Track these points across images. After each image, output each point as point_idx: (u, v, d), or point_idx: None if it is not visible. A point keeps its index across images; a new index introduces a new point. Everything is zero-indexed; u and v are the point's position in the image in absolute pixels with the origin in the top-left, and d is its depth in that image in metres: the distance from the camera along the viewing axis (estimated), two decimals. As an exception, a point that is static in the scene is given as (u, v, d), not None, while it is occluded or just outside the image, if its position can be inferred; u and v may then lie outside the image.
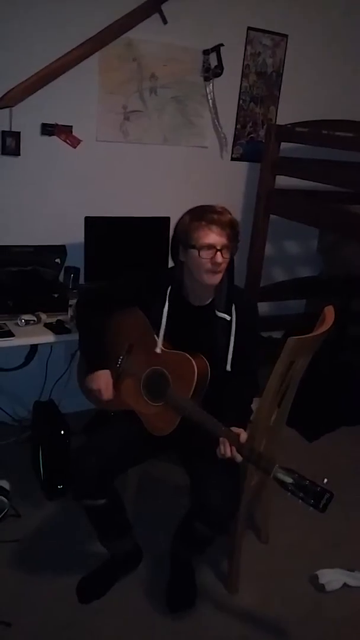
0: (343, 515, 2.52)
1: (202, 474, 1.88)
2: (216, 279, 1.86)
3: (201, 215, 1.83)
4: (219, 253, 1.81)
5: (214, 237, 1.81)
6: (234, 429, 1.78)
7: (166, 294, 1.95)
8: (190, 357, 1.88)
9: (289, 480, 1.63)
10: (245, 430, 1.82)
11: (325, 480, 1.63)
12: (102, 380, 2.02)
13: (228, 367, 1.93)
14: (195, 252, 1.82)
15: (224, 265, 1.85)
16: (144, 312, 2.00)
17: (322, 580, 2.23)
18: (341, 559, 2.36)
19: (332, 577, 2.25)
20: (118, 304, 2.07)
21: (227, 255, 1.84)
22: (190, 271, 1.89)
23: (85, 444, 2.02)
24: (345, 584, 2.24)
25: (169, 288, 1.95)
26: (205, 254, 1.81)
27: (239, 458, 1.75)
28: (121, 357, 2.07)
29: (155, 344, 1.96)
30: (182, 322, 1.96)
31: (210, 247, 1.81)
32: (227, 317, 1.93)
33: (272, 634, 2.03)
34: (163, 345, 1.96)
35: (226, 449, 1.75)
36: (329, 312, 2.10)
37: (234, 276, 2.01)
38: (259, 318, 2.09)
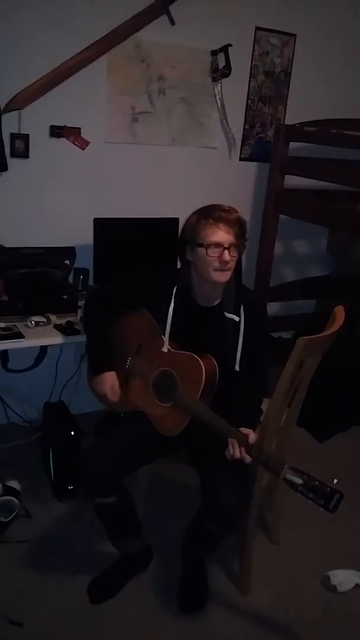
0: (354, 516, 2.51)
1: (211, 474, 1.88)
2: (225, 276, 1.86)
3: (208, 213, 1.84)
4: (226, 251, 1.81)
5: (221, 234, 1.81)
6: (243, 430, 1.78)
7: (172, 293, 1.96)
8: (198, 358, 1.88)
9: (298, 481, 1.62)
10: (254, 431, 1.82)
11: (336, 480, 1.62)
12: (107, 382, 2.03)
13: (237, 368, 1.93)
14: (202, 250, 1.83)
15: (232, 264, 1.85)
16: (151, 313, 2.01)
17: (334, 581, 2.22)
18: (353, 560, 2.34)
19: (343, 578, 2.24)
20: (125, 305, 2.07)
21: (234, 254, 1.84)
22: (198, 271, 1.89)
23: (95, 444, 2.02)
24: (357, 585, 2.23)
25: (175, 288, 1.96)
26: (213, 252, 1.81)
27: (247, 459, 1.75)
28: (130, 358, 2.07)
29: (163, 345, 1.96)
30: (190, 323, 1.96)
31: (218, 245, 1.81)
32: (236, 318, 1.93)
33: (284, 634, 2.03)
34: (172, 346, 1.96)
35: (235, 450, 1.75)
36: (339, 312, 2.09)
37: (242, 276, 2.01)
38: (267, 319, 2.08)
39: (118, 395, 2.03)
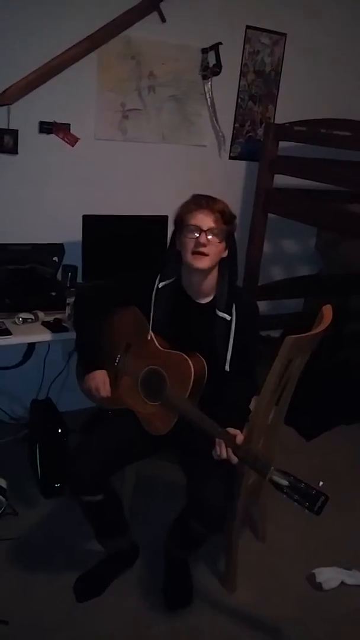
0: (341, 514, 2.52)
1: (198, 473, 1.88)
2: (202, 262, 1.86)
3: (193, 199, 1.89)
4: (203, 234, 1.83)
5: (200, 217, 1.84)
6: (231, 430, 1.78)
7: (155, 281, 1.97)
8: (187, 357, 1.88)
9: (284, 482, 1.63)
10: (242, 431, 1.82)
11: (321, 483, 1.64)
12: (99, 379, 2.02)
13: (227, 367, 1.94)
14: (183, 233, 1.87)
15: (211, 249, 1.85)
16: (139, 307, 2.01)
17: (320, 578, 2.24)
18: (338, 558, 2.36)
19: (329, 576, 2.25)
20: (115, 302, 2.07)
21: (212, 238, 1.84)
22: (182, 258, 1.91)
23: (82, 441, 2.02)
24: (342, 583, 2.24)
25: (159, 276, 1.97)
26: (191, 235, 1.84)
27: (234, 459, 1.75)
28: (119, 356, 2.07)
29: (153, 344, 1.95)
30: (181, 319, 1.96)
31: (196, 227, 1.84)
32: (228, 317, 1.93)
33: (270, 632, 2.03)
34: (161, 344, 1.96)
35: (222, 450, 1.75)
36: (327, 311, 2.10)
37: (237, 275, 2.03)
38: (259, 319, 2.09)
39: (109, 393, 2.02)
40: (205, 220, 1.84)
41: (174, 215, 1.93)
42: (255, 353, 2.00)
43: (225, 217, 1.87)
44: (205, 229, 1.83)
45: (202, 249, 1.84)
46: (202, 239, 1.83)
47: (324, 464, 2.97)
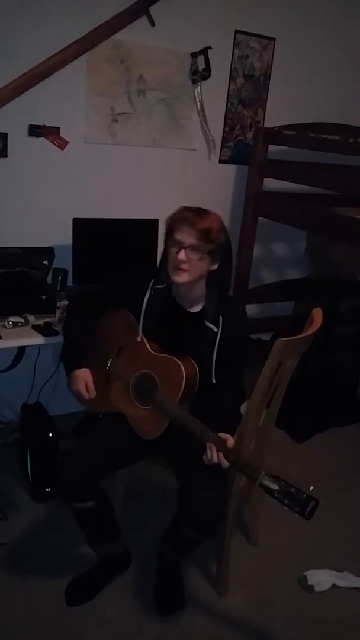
0: (332, 516, 2.53)
1: (190, 477, 1.88)
2: (180, 277, 1.84)
3: (181, 211, 1.85)
4: (182, 250, 1.81)
5: (183, 233, 1.82)
6: (222, 435, 1.78)
7: (149, 284, 1.96)
8: (179, 361, 1.87)
9: (275, 487, 1.64)
10: (233, 436, 1.82)
11: (312, 487, 1.64)
12: (81, 379, 1.99)
13: (213, 380, 1.93)
14: (168, 244, 1.86)
15: (189, 266, 1.83)
16: (131, 309, 2.00)
17: (311, 581, 2.24)
18: (330, 560, 2.36)
19: (321, 578, 2.25)
20: (107, 305, 2.06)
21: (192, 255, 1.82)
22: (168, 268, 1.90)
23: (73, 446, 2.01)
24: (334, 585, 2.25)
25: (152, 280, 1.96)
26: (174, 248, 1.84)
27: (225, 464, 1.75)
28: (110, 360, 2.06)
29: (144, 347, 1.95)
30: (171, 326, 1.96)
31: (178, 242, 1.83)
32: (215, 329, 1.92)
33: (262, 635, 2.03)
34: (152, 348, 1.95)
35: (213, 455, 1.75)
36: (317, 314, 2.11)
37: (229, 287, 2.01)
38: (247, 332, 2.08)
39: (94, 393, 2.00)
40: (186, 237, 1.81)
41: (165, 222, 1.91)
42: (242, 365, 1.99)
43: (210, 235, 1.81)
44: (185, 245, 1.81)
45: (181, 265, 1.83)
46: (181, 256, 1.81)
47: (315, 466, 2.97)
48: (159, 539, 2.10)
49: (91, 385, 2.00)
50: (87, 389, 1.99)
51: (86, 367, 2.02)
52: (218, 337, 1.91)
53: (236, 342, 1.94)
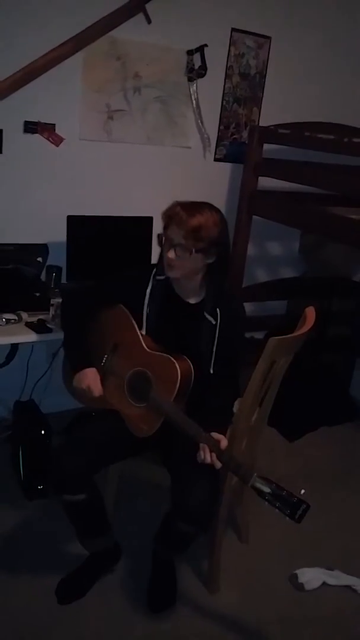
0: (323, 515, 2.54)
1: (182, 473, 1.88)
2: (173, 272, 1.88)
3: (174, 207, 1.87)
4: (171, 249, 1.84)
5: (172, 230, 1.84)
6: (215, 435, 1.79)
7: (150, 276, 1.97)
8: (174, 360, 1.87)
9: (266, 489, 1.65)
10: (225, 433, 1.83)
11: (303, 491, 1.66)
12: (90, 377, 2.00)
13: (211, 370, 1.94)
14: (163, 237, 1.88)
15: (179, 263, 1.85)
16: (130, 301, 2.00)
17: (302, 579, 2.25)
18: (320, 558, 2.38)
19: (311, 576, 2.26)
20: (104, 302, 2.06)
21: (181, 253, 1.83)
22: None
23: (66, 439, 2.00)
24: (324, 583, 2.26)
25: (154, 271, 1.98)
26: (166, 243, 1.86)
27: (218, 464, 1.76)
28: (106, 356, 2.06)
29: (140, 345, 1.95)
30: (170, 317, 1.97)
31: (168, 239, 1.85)
32: (213, 321, 1.94)
33: (252, 632, 2.04)
34: (149, 345, 1.95)
35: (206, 455, 1.76)
36: (310, 313, 2.12)
37: (225, 280, 2.01)
38: (244, 326, 2.09)
39: (101, 392, 2.00)
40: (176, 234, 1.83)
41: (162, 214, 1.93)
42: (239, 359, 2.00)
43: (199, 233, 1.81)
44: (175, 243, 1.83)
45: (171, 262, 1.86)
46: (170, 254, 1.84)
47: (307, 465, 2.98)
48: (152, 538, 2.10)
49: (99, 383, 2.01)
50: (95, 388, 2.00)
51: (93, 367, 2.02)
52: (217, 330, 1.93)
53: (232, 336, 1.96)
